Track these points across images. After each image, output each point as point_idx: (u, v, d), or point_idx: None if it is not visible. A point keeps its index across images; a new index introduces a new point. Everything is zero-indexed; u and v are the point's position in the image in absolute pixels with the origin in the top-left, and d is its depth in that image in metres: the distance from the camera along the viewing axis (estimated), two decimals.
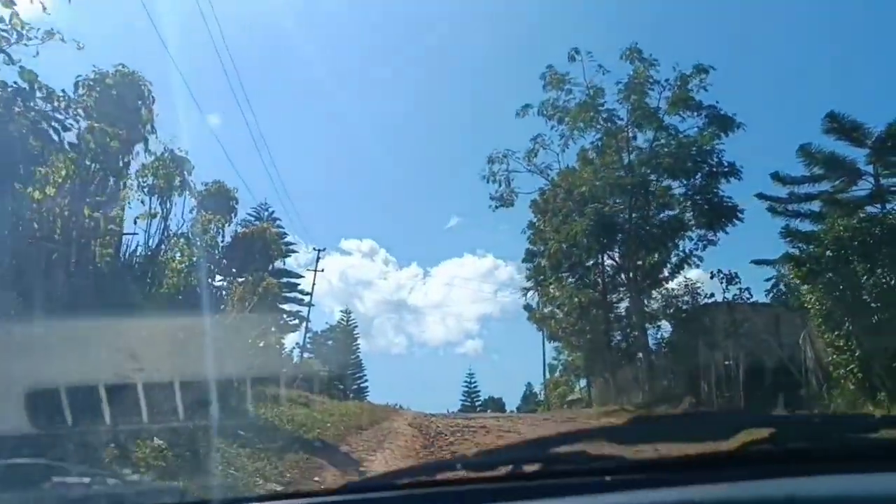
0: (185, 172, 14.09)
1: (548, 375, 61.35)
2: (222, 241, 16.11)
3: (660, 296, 31.77)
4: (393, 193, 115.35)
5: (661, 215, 28.59)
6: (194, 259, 14.88)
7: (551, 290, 34.26)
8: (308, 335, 73.71)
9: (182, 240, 15.05)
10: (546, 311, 35.54)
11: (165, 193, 14.03)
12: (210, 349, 15.01)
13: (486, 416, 25.85)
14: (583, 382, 53.61)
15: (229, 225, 16.54)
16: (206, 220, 15.46)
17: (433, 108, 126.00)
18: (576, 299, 30.96)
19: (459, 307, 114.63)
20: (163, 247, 14.14)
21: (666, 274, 31.19)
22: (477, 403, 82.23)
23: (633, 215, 27.86)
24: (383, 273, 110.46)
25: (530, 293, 62.56)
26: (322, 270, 46.30)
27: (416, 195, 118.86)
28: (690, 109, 29.44)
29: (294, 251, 45.59)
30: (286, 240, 43.61)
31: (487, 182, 31.48)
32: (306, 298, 46.87)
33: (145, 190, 13.86)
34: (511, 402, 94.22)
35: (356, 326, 71.21)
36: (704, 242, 29.36)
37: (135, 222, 13.91)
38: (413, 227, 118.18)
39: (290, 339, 56.95)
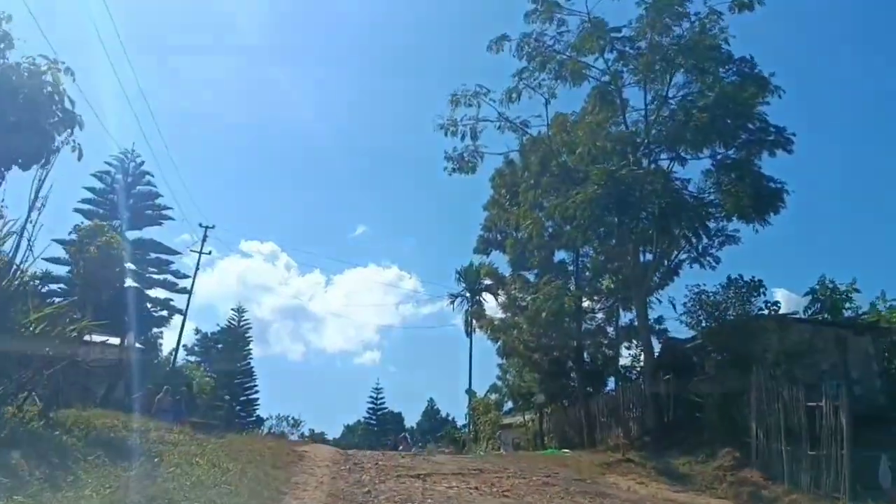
0: None
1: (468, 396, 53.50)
2: None
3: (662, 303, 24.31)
4: (300, 197, 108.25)
5: (683, 193, 20.70)
6: None
7: (514, 292, 26.08)
8: (197, 337, 62.85)
9: None
10: (504, 317, 27.10)
11: None
12: None
13: (445, 460, 17.29)
14: (507, 403, 45.91)
15: None
16: None
17: (347, 109, 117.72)
18: (548, 304, 22.37)
19: (360, 317, 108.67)
20: None
21: (656, 279, 23.72)
22: (379, 413, 73.29)
23: (646, 188, 19.87)
24: (284, 278, 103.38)
25: (459, 300, 54.92)
26: (209, 253, 36.66)
27: (323, 200, 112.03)
28: (716, 62, 22.04)
29: (168, 217, 35.45)
30: (157, 201, 33.80)
31: (446, 134, 22.94)
32: (184, 284, 36.70)
33: None
34: (410, 417, 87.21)
35: (249, 328, 60.86)
36: (722, 238, 21.95)
37: None
38: (318, 232, 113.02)
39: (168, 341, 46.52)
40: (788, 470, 15.38)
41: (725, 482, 16.24)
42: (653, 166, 20.48)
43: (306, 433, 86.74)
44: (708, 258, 22.43)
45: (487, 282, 51.01)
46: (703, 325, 20.39)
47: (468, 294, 51.02)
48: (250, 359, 61.97)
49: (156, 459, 10.07)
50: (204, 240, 35.58)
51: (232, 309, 62.64)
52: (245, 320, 60.70)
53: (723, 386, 18.02)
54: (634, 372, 28.52)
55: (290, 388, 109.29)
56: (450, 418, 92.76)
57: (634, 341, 26.87)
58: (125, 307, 28.68)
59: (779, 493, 14.89)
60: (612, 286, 25.91)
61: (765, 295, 20.76)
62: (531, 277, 26.71)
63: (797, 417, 15.34)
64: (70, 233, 21.01)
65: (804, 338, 18.31)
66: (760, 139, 20.63)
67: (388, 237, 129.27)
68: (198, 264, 35.32)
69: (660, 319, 25.81)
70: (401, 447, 46.28)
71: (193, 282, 35.60)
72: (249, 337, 61.99)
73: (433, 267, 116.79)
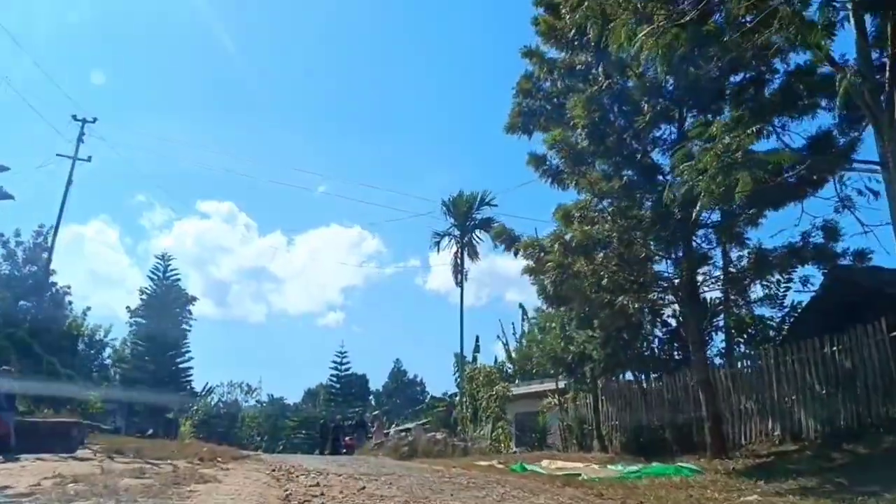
0: None
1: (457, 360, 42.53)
2: None
3: None
4: (258, 155, 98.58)
5: None
6: None
7: (597, 187, 14.58)
8: (142, 297, 49.41)
9: None
10: (568, 238, 15.44)
11: None
12: None
13: None
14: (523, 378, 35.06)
15: None
16: None
17: (310, 59, 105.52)
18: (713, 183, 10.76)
19: (323, 277, 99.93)
20: None
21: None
22: (343, 377, 62.40)
23: None
24: (244, 238, 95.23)
25: (447, 240, 42.86)
26: (88, 159, 24.73)
27: (283, 160, 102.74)
28: None
29: None
30: None
31: None
32: None
33: None
34: (376, 379, 79.25)
35: (178, 278, 48.82)
36: None
37: None
38: (278, 192, 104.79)
39: None
40: None
41: None
42: None
43: (264, 399, 76.74)
44: None
45: (486, 215, 39.98)
46: None
47: (458, 232, 39.75)
48: (186, 318, 49.90)
49: None
50: (80, 140, 23.73)
51: (155, 257, 50.31)
52: (173, 270, 48.55)
53: None
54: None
55: (252, 350, 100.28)
56: (418, 380, 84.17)
57: (777, 276, 15.95)
58: None
59: None
60: None
61: None
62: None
63: None
64: None
65: None
66: None
67: (350, 196, 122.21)
68: (71, 172, 23.51)
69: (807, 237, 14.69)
70: (372, 435, 35.51)
71: (64, 199, 23.87)
72: (184, 290, 49.91)
73: (397, 225, 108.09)
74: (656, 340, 19.29)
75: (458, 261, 39.09)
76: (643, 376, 19.36)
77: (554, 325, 20.10)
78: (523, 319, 38.14)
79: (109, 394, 47.80)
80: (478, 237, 39.48)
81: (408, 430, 38.69)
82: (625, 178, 13.55)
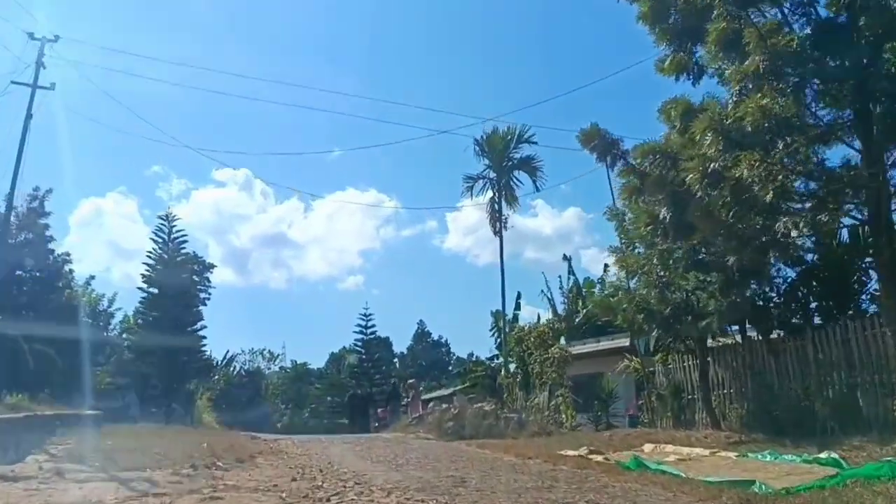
0: None
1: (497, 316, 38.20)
2: None
3: None
4: (272, 121, 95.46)
5: None
6: None
7: (759, 35, 9.74)
8: (153, 261, 44.48)
9: None
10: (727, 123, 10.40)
11: None
12: None
13: None
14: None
15: None
16: None
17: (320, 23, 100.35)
18: None
19: (341, 241, 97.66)
20: None
21: None
22: (367, 339, 58.19)
23: None
24: (261, 206, 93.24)
25: (481, 185, 37.55)
26: (52, 87, 20.18)
27: (296, 124, 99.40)
28: None
29: None
30: None
31: None
32: None
33: None
34: (400, 341, 77.01)
35: (185, 239, 44.33)
36: None
37: None
38: (293, 157, 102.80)
39: None
40: None
41: None
42: None
43: (288, 365, 73.44)
44: None
45: (526, 153, 35.04)
46: None
47: (494, 175, 34.90)
48: (205, 286, 45.28)
49: None
50: (40, 63, 19.20)
51: (158, 216, 45.55)
52: (179, 231, 43.96)
53: None
54: None
55: (274, 317, 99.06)
56: (443, 340, 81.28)
57: None
58: None
59: None
60: None
61: None
62: None
63: None
64: None
65: None
66: None
67: (365, 159, 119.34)
68: (31, 104, 19.06)
69: None
70: (407, 406, 31.52)
71: (24, 135, 19.49)
72: (195, 255, 45.41)
73: (412, 187, 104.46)
74: (785, 285, 14.69)
75: (496, 206, 34.42)
76: (764, 332, 14.82)
77: (646, 268, 15.48)
78: (570, 272, 34.27)
79: (119, 368, 44.16)
80: (516, 179, 34.79)
81: (443, 397, 34.70)
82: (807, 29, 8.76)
